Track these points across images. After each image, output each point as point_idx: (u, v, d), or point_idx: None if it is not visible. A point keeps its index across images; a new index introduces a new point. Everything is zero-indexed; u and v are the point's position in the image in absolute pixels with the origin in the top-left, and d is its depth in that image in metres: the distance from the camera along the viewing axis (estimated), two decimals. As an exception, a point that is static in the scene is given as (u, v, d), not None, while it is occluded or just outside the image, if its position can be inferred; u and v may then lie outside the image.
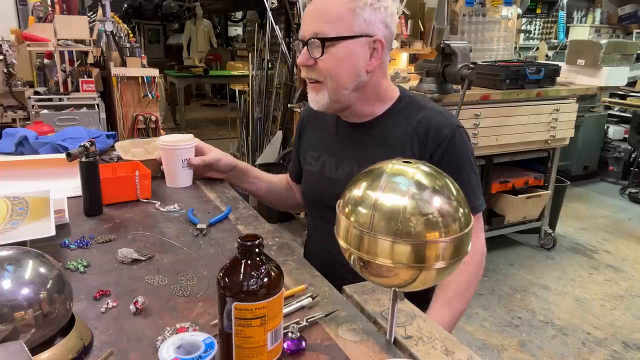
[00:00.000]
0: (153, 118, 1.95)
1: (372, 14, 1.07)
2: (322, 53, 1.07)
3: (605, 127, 4.74)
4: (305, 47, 1.08)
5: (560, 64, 3.15)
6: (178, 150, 1.34)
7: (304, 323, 0.76)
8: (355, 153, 1.19)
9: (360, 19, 1.06)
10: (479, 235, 1.15)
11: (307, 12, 1.10)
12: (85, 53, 2.27)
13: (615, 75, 3.36)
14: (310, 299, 0.82)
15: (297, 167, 1.38)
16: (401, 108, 1.19)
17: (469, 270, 1.11)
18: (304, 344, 0.71)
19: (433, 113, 1.15)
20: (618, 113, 4.87)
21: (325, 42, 1.06)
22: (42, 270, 0.66)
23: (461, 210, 0.65)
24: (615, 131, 4.71)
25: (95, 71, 2.29)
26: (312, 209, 1.34)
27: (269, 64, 3.77)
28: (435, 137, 1.12)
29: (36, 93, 2.14)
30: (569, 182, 3.43)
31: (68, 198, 1.19)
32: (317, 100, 1.13)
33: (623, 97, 4.64)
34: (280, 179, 1.46)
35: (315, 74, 1.10)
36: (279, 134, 3.64)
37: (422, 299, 1.00)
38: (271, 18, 3.59)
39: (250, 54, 4.03)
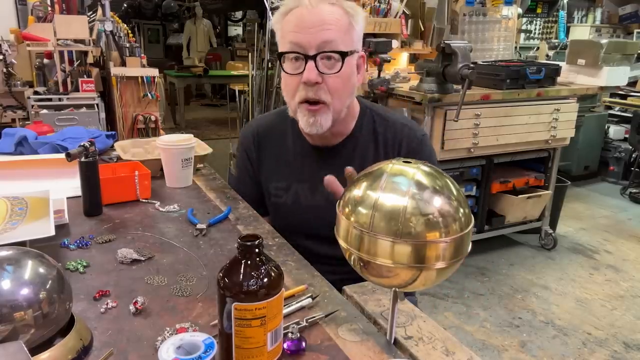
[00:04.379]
0: (153, 118, 1.95)
1: (361, 27, 1.01)
2: (341, 68, 0.97)
3: (606, 127, 4.73)
4: (313, 62, 0.95)
5: (560, 63, 3.15)
6: (178, 150, 1.34)
7: (304, 323, 0.76)
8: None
9: (356, 33, 1.00)
10: None
11: (308, 23, 0.94)
12: (85, 53, 2.27)
13: (616, 75, 3.36)
14: (310, 299, 0.82)
15: (259, 198, 1.26)
16: (366, 122, 1.14)
17: None
18: (304, 344, 0.71)
19: (399, 126, 1.13)
20: (619, 113, 4.86)
21: (345, 56, 0.96)
22: (42, 270, 0.66)
23: (461, 210, 0.65)
24: (615, 131, 4.71)
25: (95, 71, 2.29)
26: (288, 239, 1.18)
27: (269, 63, 3.76)
28: (407, 149, 1.11)
29: (36, 93, 2.13)
30: (569, 182, 3.43)
31: (68, 198, 1.19)
32: (321, 124, 1.01)
33: (624, 97, 4.63)
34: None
35: (322, 93, 0.98)
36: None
37: None
38: (271, 18, 3.58)
39: (250, 53, 4.02)
